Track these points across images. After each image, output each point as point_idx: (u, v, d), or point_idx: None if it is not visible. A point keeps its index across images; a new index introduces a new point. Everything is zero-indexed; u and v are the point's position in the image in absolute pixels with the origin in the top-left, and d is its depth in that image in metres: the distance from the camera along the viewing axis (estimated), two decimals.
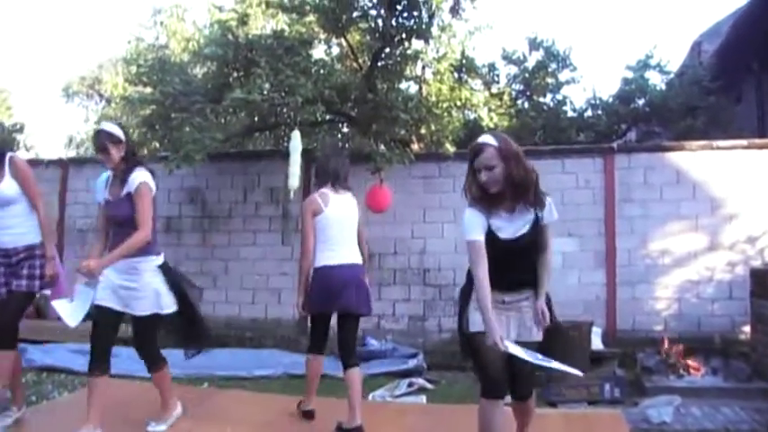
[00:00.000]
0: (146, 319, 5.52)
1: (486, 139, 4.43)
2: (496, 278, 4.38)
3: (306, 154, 10.29)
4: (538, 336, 4.59)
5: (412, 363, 9.88)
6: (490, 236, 4.43)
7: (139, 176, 5.37)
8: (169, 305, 5.57)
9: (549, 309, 4.63)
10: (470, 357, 4.71)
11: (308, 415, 6.85)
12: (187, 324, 5.95)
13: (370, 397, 8.30)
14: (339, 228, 6.23)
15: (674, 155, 10.98)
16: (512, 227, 4.47)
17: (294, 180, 9.68)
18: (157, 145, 12.57)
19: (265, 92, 10.32)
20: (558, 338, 4.74)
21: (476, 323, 4.47)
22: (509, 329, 4.53)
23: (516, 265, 4.53)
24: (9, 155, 5.75)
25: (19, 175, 5.71)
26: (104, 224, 5.64)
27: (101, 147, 5.40)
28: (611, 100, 15.99)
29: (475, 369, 4.82)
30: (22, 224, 5.74)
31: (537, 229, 4.54)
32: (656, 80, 15.92)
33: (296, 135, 9.95)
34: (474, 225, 4.45)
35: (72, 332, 9.48)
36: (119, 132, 5.48)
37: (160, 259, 5.56)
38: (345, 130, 15.68)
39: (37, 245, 5.85)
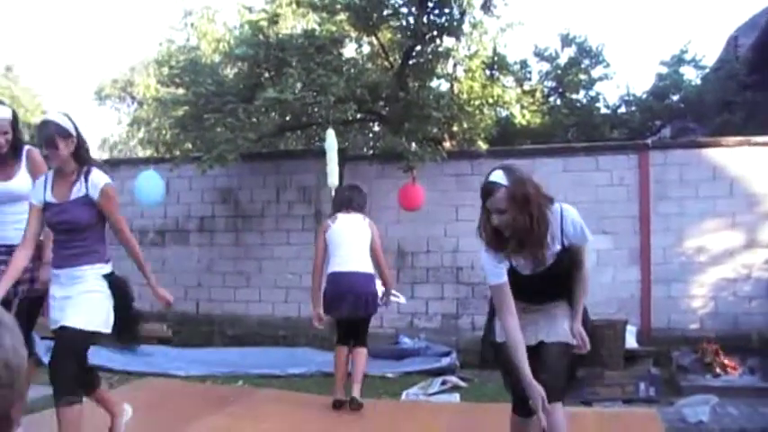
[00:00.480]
0: (77, 333, 4.65)
1: (497, 177, 4.04)
2: (521, 297, 4.24)
3: (339, 153, 10.28)
4: (567, 337, 4.33)
5: (445, 361, 9.86)
6: (511, 270, 4.22)
7: (103, 177, 4.81)
8: (105, 324, 4.82)
9: (585, 317, 4.48)
10: (499, 366, 4.63)
11: (336, 405, 7.03)
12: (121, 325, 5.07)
13: (404, 395, 8.29)
14: (346, 239, 7.19)
15: (710, 151, 10.85)
16: (533, 264, 4.22)
17: (333, 178, 9.68)
18: (190, 146, 12.65)
19: (297, 91, 10.34)
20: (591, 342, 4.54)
21: (499, 333, 4.36)
22: (537, 332, 4.32)
23: (543, 289, 4.34)
24: (27, 148, 5.44)
25: (35, 172, 5.34)
26: (37, 230, 4.91)
27: (48, 140, 4.69)
28: (644, 96, 15.86)
29: (503, 376, 4.64)
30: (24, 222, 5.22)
31: (564, 257, 4.24)
32: (691, 75, 15.80)
33: (330, 133, 9.95)
34: (494, 267, 4.21)
35: None
36: (69, 125, 4.77)
37: (108, 268, 4.92)
38: (377, 128, 15.70)
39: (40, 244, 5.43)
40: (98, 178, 4.78)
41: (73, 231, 4.78)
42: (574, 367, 4.45)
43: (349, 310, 7.12)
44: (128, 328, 5.27)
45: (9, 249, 5.11)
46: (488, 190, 4.05)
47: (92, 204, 4.77)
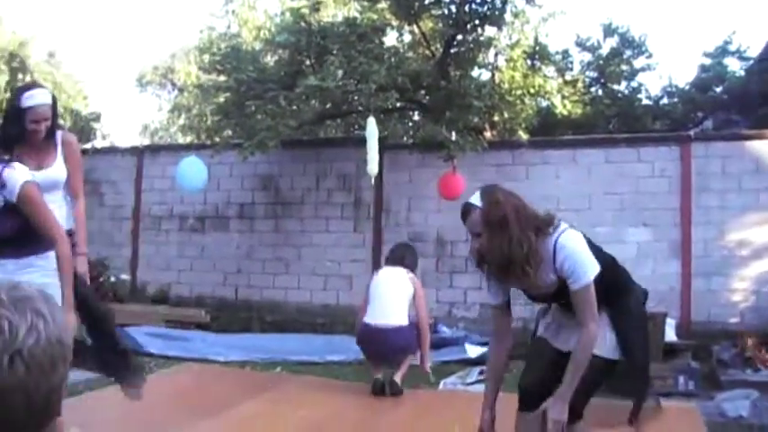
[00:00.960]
0: None
1: (474, 198, 3.82)
2: (551, 307, 4.19)
3: (379, 142, 10.27)
4: (600, 350, 3.88)
5: (483, 351, 9.86)
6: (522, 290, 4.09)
7: (17, 175, 4.02)
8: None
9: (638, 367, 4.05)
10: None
11: (376, 385, 7.18)
12: (100, 342, 4.70)
13: (441, 384, 8.30)
14: (382, 291, 7.46)
15: (753, 143, 10.71)
16: (534, 288, 3.96)
17: (373, 165, 9.71)
18: (230, 132, 12.73)
19: (339, 79, 10.37)
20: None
21: (540, 330, 4.31)
22: (570, 338, 4.00)
23: (562, 305, 4.06)
24: (61, 132, 5.10)
25: (70, 157, 5.04)
26: None
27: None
28: (687, 87, 15.77)
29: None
30: (58, 210, 4.78)
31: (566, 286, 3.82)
32: (735, 66, 15.73)
33: (371, 121, 9.96)
34: (490, 289, 4.12)
35: (151, 315, 9.69)
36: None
37: None
38: (416, 118, 15.70)
39: (72, 233, 5.00)
40: (14, 176, 4.03)
41: (6, 242, 4.07)
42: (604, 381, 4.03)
43: (383, 360, 7.47)
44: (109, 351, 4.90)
45: None
46: (464, 212, 3.85)
47: (16, 210, 4.06)
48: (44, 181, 4.78)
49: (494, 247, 3.71)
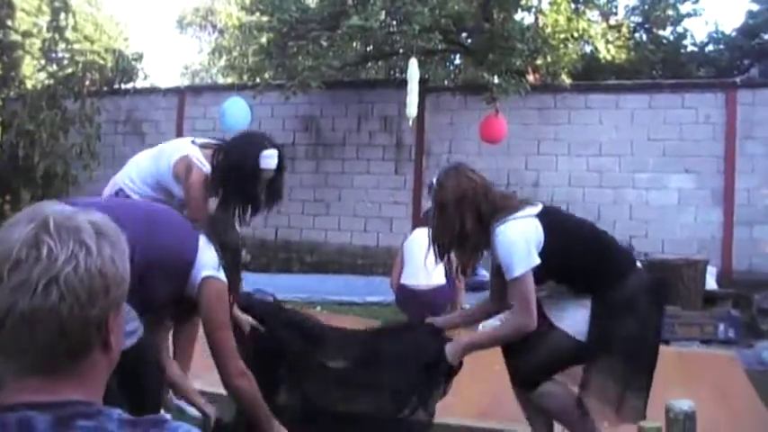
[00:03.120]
0: None
1: (436, 175, 3.90)
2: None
3: (420, 84, 10.22)
4: (570, 328, 3.64)
5: None
6: None
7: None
8: None
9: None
10: None
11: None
12: None
13: (481, 327, 8.33)
14: (416, 251, 7.23)
15: None
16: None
17: (412, 108, 9.67)
18: (272, 73, 12.71)
19: (381, 19, 10.31)
20: None
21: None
22: (561, 315, 3.69)
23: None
24: None
25: None
26: None
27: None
28: (734, 34, 15.51)
29: None
30: None
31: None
32: None
33: (413, 63, 9.91)
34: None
35: None
36: None
37: None
38: (458, 60, 15.60)
39: None
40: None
41: None
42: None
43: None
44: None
45: None
46: (428, 187, 3.96)
47: None
48: None
49: (432, 226, 3.87)
